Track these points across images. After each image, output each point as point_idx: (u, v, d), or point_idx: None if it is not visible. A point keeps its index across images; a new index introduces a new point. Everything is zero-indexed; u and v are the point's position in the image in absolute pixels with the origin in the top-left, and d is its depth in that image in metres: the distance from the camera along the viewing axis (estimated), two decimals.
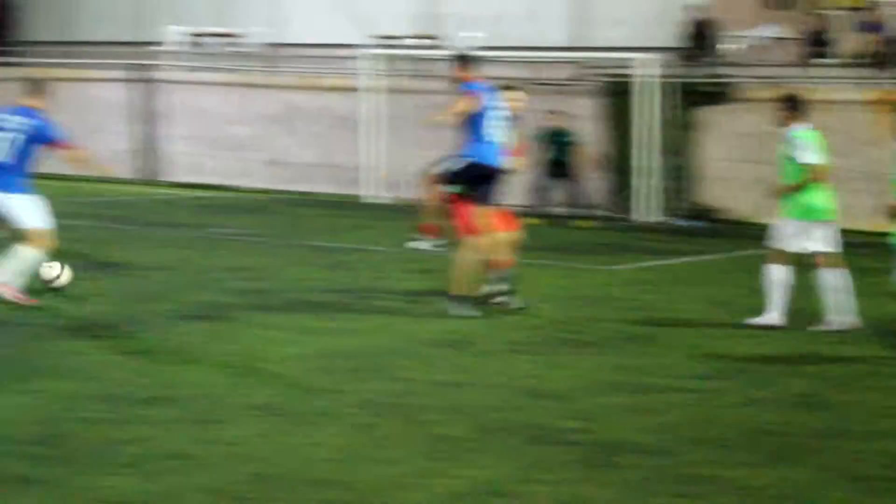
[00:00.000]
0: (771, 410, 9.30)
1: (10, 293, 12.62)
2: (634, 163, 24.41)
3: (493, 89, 13.24)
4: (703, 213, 24.12)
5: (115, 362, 10.28)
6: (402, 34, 29.64)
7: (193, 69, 31.43)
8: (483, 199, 13.00)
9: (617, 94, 25.34)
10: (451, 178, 13.17)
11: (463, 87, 13.10)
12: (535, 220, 20.76)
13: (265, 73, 30.57)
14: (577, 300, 14.31)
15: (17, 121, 12.82)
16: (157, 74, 31.40)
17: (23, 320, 11.97)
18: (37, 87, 13.20)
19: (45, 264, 13.18)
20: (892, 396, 9.97)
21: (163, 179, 31.05)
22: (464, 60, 13.45)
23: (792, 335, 12.36)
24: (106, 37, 33.76)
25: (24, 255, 12.70)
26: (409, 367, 10.48)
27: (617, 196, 25.10)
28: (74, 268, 13.74)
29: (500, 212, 13.39)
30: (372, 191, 26.50)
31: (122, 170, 31.40)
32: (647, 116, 24.21)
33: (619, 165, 25.06)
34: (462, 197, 13.13)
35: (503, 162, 13.12)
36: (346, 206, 25.66)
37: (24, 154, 12.77)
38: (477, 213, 13.02)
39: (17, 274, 12.70)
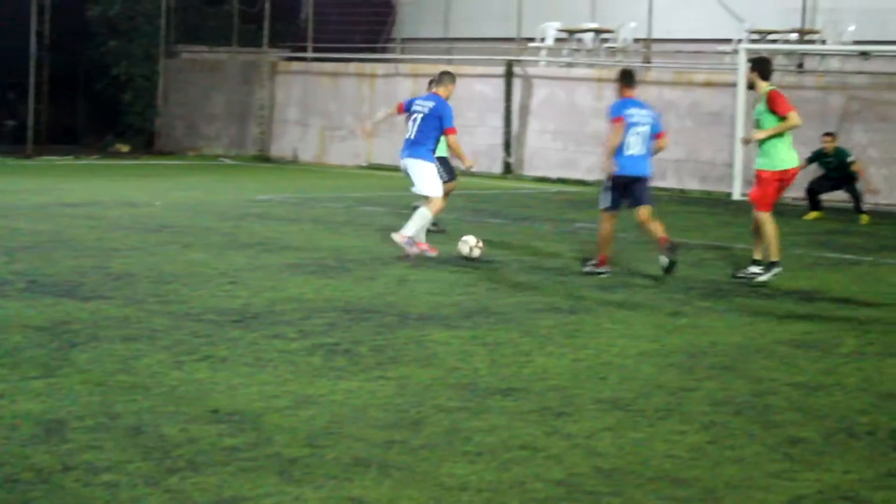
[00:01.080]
0: None
1: (408, 244, 15.50)
2: None
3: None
4: None
5: (473, 353, 10.46)
6: (777, 28, 29.11)
7: (565, 65, 31.73)
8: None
9: None
10: None
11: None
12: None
13: (637, 68, 30.56)
14: None
15: (423, 105, 15.80)
16: (530, 70, 31.85)
17: (384, 308, 12.34)
18: (439, 78, 16.21)
19: (464, 240, 15.88)
20: None
21: (528, 174, 31.47)
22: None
23: None
24: (483, 33, 34.54)
25: (422, 214, 15.63)
26: (767, 367, 10.29)
27: None
28: (443, 261, 14.63)
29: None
30: (744, 188, 26.11)
31: (494, 164, 32.07)
32: None
33: None
34: None
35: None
36: (714, 204, 25.39)
37: (426, 131, 15.62)
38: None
39: (417, 229, 15.57)
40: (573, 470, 7.32)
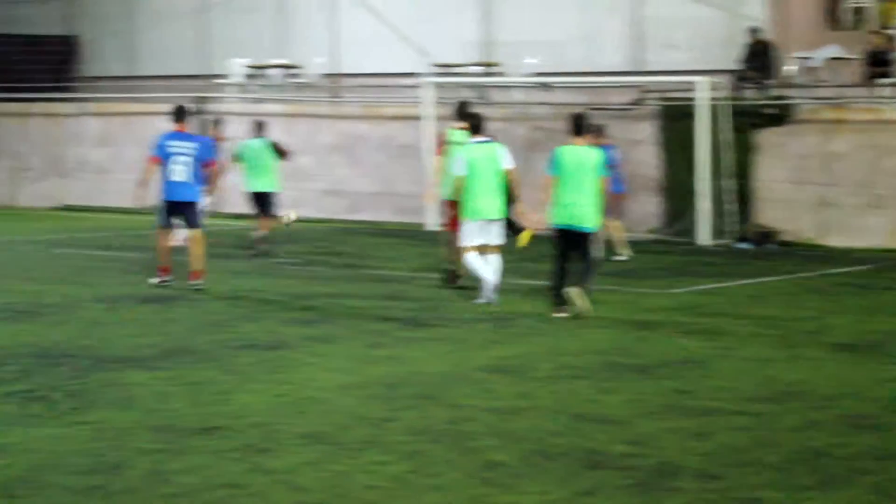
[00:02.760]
0: (827, 432, 9.21)
1: None
2: (696, 186, 24.30)
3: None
4: (764, 236, 23.95)
5: (173, 393, 10.34)
6: (460, 62, 29.71)
7: (255, 101, 31.67)
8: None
9: (676, 117, 25.30)
10: None
11: None
12: None
13: (324, 103, 30.70)
14: (635, 324, 14.26)
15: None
16: (219, 107, 31.62)
17: (80, 352, 12.08)
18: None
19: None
20: None
21: (227, 211, 31.22)
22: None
23: (850, 359, 12.31)
24: (170, 70, 34.08)
25: None
26: (465, 394, 10.48)
27: (677, 220, 25.03)
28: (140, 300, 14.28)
29: None
30: (434, 219, 26.50)
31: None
32: (709, 139, 24.09)
33: (678, 189, 25.03)
34: None
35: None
36: (408, 235, 25.72)
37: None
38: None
39: None
40: None
